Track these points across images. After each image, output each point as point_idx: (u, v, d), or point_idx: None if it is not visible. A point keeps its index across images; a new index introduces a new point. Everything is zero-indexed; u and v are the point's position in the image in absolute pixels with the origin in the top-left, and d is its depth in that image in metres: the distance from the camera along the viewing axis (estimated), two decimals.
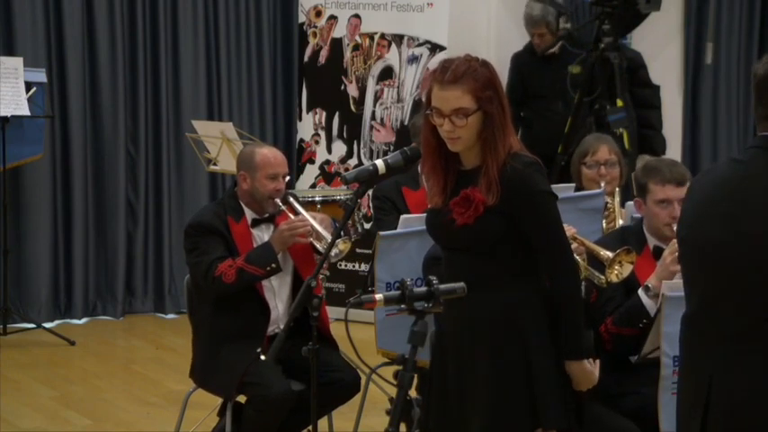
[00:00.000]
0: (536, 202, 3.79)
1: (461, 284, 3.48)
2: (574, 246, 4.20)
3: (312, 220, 5.17)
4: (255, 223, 5.27)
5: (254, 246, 5.21)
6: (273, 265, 5.09)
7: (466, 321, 3.84)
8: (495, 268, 3.81)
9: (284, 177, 5.28)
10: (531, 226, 3.78)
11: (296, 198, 5.37)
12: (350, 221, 6.35)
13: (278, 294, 5.28)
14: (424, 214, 5.18)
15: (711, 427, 3.20)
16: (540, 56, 8.31)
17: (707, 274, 3.21)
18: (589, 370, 3.85)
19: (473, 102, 3.77)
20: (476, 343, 3.83)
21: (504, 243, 3.79)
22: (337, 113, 8.66)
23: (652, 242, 4.71)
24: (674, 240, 4.52)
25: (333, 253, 5.09)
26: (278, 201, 5.22)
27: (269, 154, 5.28)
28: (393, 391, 3.48)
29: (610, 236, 4.97)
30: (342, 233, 4.97)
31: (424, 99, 3.96)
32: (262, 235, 5.28)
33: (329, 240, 4.89)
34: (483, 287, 3.78)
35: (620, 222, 5.44)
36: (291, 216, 5.22)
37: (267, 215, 5.29)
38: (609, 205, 5.49)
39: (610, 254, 4.39)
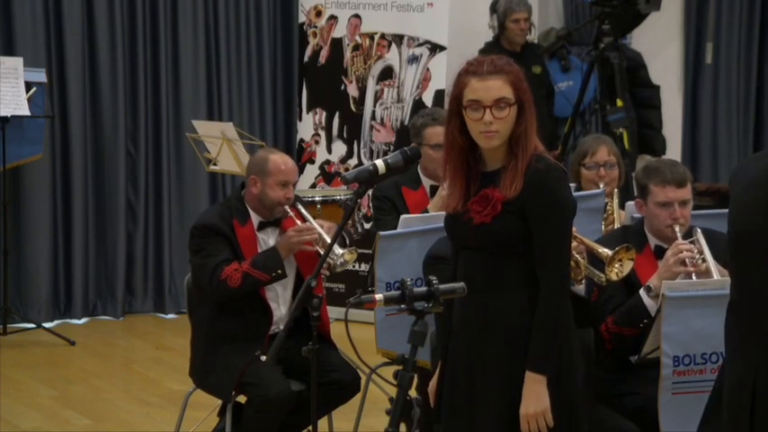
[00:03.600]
0: (552, 209, 3.75)
1: (461, 284, 3.47)
2: (573, 244, 4.19)
3: (319, 227, 5.15)
4: (261, 227, 5.27)
5: (259, 250, 5.21)
6: (279, 271, 5.09)
7: (479, 322, 3.81)
8: (510, 269, 3.77)
9: (294, 185, 5.28)
10: (538, 231, 3.74)
11: (303, 203, 5.36)
12: (350, 221, 6.35)
13: (280, 296, 5.28)
14: (424, 214, 5.22)
15: (759, 416, 3.26)
16: (512, 51, 8.21)
17: (754, 262, 3.25)
18: (543, 392, 3.75)
19: (512, 93, 3.77)
20: (488, 344, 3.81)
21: (520, 244, 3.75)
22: (337, 113, 8.66)
23: (653, 242, 4.71)
24: (678, 241, 4.53)
25: (338, 263, 5.08)
26: (286, 207, 5.21)
27: (281, 161, 5.26)
28: (393, 391, 3.47)
29: (610, 235, 4.97)
30: (346, 240, 4.94)
31: (448, 98, 3.92)
32: (267, 239, 5.27)
33: (336, 249, 4.88)
34: (498, 288, 3.77)
35: (619, 225, 5.44)
36: (298, 222, 5.21)
37: (273, 219, 5.29)
38: (608, 207, 5.48)
39: (609, 251, 4.39)
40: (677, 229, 4.61)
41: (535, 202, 3.72)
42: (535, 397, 3.74)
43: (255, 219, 5.27)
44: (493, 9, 8.36)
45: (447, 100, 8.14)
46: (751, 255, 3.28)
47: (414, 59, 8.39)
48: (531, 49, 8.49)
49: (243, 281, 5.05)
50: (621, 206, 5.54)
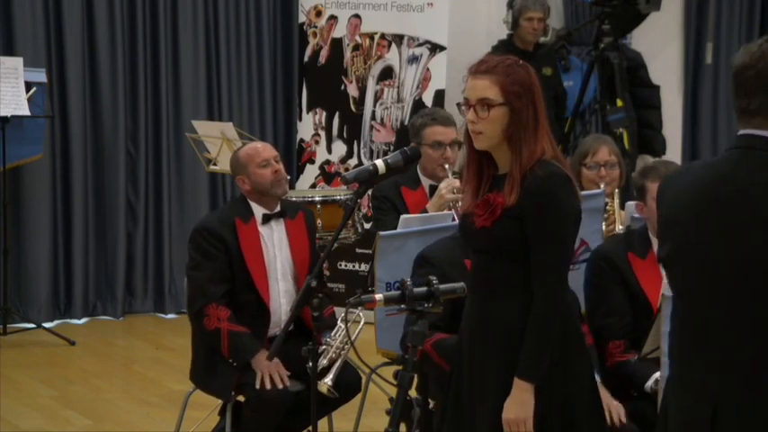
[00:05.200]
0: (549, 216, 3.70)
1: (461, 284, 3.47)
2: None
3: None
4: (266, 220, 5.28)
5: (262, 247, 5.21)
6: (235, 364, 5.08)
7: (480, 323, 3.80)
8: (510, 273, 3.75)
9: (277, 160, 5.30)
10: (534, 237, 3.70)
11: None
12: (350, 221, 6.35)
13: (283, 296, 5.28)
14: (424, 214, 5.22)
15: None
16: (524, 50, 8.21)
17: (712, 294, 2.90)
18: (527, 400, 3.71)
19: (500, 95, 3.70)
20: (488, 344, 3.80)
21: (520, 249, 3.72)
22: (337, 113, 8.66)
23: (656, 245, 4.71)
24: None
25: (326, 381, 4.85)
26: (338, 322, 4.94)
27: (248, 148, 5.35)
28: (393, 391, 3.47)
29: (614, 239, 4.97)
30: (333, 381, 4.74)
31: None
32: (271, 234, 5.28)
33: (327, 378, 4.76)
34: (498, 291, 3.75)
35: (620, 226, 5.44)
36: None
37: (277, 210, 5.29)
38: (608, 207, 5.48)
39: None
40: None
41: (532, 208, 3.69)
42: (519, 403, 3.71)
43: (259, 212, 5.28)
44: (510, 5, 8.34)
45: (447, 100, 8.16)
46: (709, 288, 2.92)
47: (414, 59, 8.39)
48: (536, 54, 8.46)
49: (213, 333, 5.08)
50: (622, 206, 5.54)
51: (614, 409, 4.46)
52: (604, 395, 4.44)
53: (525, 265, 3.73)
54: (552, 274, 3.73)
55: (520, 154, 3.71)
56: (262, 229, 5.27)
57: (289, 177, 5.39)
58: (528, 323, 3.71)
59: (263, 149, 5.31)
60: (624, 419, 4.46)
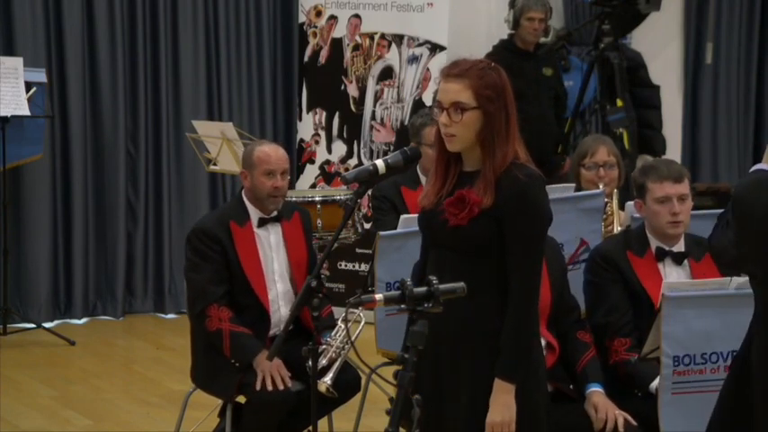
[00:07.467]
0: (530, 219, 3.74)
1: (461, 284, 3.47)
2: None
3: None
4: (261, 223, 5.26)
5: (258, 249, 5.20)
6: (237, 364, 5.07)
7: (448, 322, 3.75)
8: (482, 272, 3.76)
9: (283, 175, 5.24)
10: (513, 238, 3.73)
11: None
12: (350, 221, 6.35)
13: (281, 298, 5.28)
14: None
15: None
16: (525, 50, 8.19)
17: None
18: (511, 402, 3.73)
19: (473, 98, 3.73)
20: (456, 344, 3.80)
21: (495, 248, 3.74)
22: (337, 113, 8.66)
23: (654, 244, 4.72)
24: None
25: (326, 380, 4.84)
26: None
27: (266, 150, 5.27)
28: (393, 391, 3.47)
29: (612, 239, 4.97)
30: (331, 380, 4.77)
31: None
32: (267, 236, 5.27)
33: (326, 377, 4.77)
34: (469, 289, 3.76)
35: (618, 227, 5.45)
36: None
37: (274, 215, 5.28)
38: (607, 207, 5.49)
39: None
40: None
41: (514, 210, 3.72)
42: (502, 406, 3.73)
43: (255, 216, 5.25)
44: (511, 4, 8.32)
45: None
46: None
47: (414, 59, 8.39)
48: (537, 54, 8.44)
49: (215, 333, 5.07)
50: (621, 206, 5.54)
51: (619, 417, 4.44)
52: (608, 404, 4.44)
53: (495, 263, 3.75)
54: (529, 274, 3.76)
55: (493, 156, 3.74)
56: (258, 232, 5.25)
57: (288, 177, 5.37)
58: (506, 323, 3.73)
59: (275, 159, 5.23)
60: (633, 422, 4.45)
